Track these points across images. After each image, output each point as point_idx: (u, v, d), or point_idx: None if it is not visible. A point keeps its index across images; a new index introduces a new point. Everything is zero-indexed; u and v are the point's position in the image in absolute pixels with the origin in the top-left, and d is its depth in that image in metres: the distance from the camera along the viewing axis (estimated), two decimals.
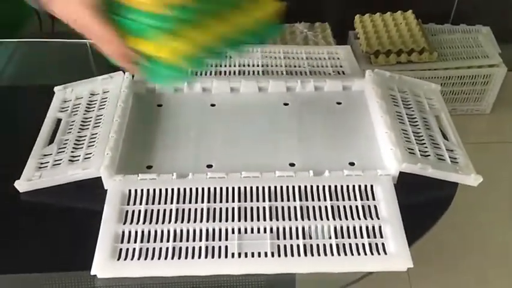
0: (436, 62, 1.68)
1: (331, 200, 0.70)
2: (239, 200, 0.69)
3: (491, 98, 1.78)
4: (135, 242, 0.65)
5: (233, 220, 0.67)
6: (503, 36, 1.80)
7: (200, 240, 0.65)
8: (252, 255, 0.64)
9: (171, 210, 0.68)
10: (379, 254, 0.64)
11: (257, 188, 0.71)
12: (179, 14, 0.57)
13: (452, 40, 1.77)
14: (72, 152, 0.75)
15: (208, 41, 0.61)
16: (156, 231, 0.66)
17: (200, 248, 0.64)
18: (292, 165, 0.74)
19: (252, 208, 0.69)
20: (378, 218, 0.68)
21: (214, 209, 0.68)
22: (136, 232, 0.66)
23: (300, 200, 0.69)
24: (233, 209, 0.68)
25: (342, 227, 0.67)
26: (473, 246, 1.39)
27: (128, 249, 0.64)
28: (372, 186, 0.71)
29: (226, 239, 0.65)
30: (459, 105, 1.79)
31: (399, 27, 1.73)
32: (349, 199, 0.70)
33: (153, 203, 0.69)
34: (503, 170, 1.59)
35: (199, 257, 0.64)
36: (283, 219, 0.67)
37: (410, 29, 1.72)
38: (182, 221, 0.67)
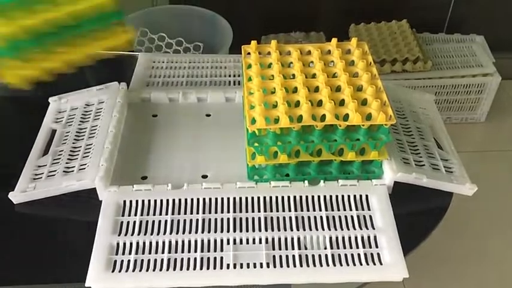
0: (430, 71, 1.69)
1: (326, 210, 0.70)
2: (234, 211, 0.69)
3: (485, 107, 1.79)
4: (130, 253, 0.65)
5: (228, 231, 0.67)
6: (497, 45, 1.81)
7: (195, 251, 0.65)
8: (248, 266, 0.64)
9: (166, 221, 0.68)
10: (374, 264, 0.64)
11: (252, 198, 0.71)
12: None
13: (446, 49, 1.79)
14: (66, 163, 0.75)
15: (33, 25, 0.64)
16: (151, 243, 0.66)
17: (195, 259, 0.64)
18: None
19: (247, 218, 0.68)
20: (373, 228, 0.68)
21: (210, 219, 0.68)
22: (131, 243, 0.66)
23: (295, 210, 0.69)
24: (228, 219, 0.68)
25: (337, 237, 0.67)
26: (469, 255, 1.38)
27: (122, 261, 0.64)
28: (367, 196, 0.71)
29: (222, 250, 0.65)
30: (454, 114, 1.80)
31: (394, 37, 1.74)
32: (344, 209, 0.70)
33: (148, 214, 0.69)
34: (499, 179, 1.59)
35: (195, 268, 0.63)
36: (279, 230, 0.67)
37: (404, 38, 1.73)
38: (177, 232, 0.67)
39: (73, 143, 0.79)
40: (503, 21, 1.91)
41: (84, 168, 0.73)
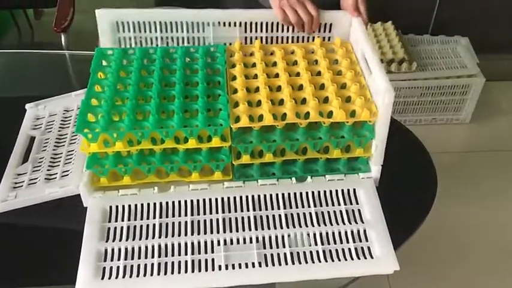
0: (415, 72, 1.70)
1: (315, 206, 0.69)
2: (223, 211, 0.68)
3: (470, 108, 1.80)
4: (119, 259, 0.64)
5: (218, 232, 0.66)
6: (482, 47, 1.83)
7: (186, 254, 0.64)
8: (240, 267, 0.63)
9: (154, 225, 0.67)
10: (365, 258, 0.64)
11: (240, 197, 0.70)
12: None
13: (431, 51, 1.80)
14: (48, 170, 0.74)
15: None
16: (140, 248, 0.65)
17: (186, 262, 0.63)
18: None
19: (236, 218, 0.68)
20: (362, 222, 0.67)
21: (198, 221, 0.67)
22: (119, 249, 0.64)
23: (284, 207, 0.69)
24: (217, 220, 0.67)
25: (327, 233, 0.66)
26: (458, 252, 1.38)
27: (111, 267, 0.63)
28: (354, 190, 0.71)
29: (213, 251, 0.64)
30: (439, 115, 1.81)
31: (379, 38, 1.75)
32: (333, 204, 0.69)
33: (135, 219, 0.68)
34: (484, 179, 1.59)
35: (186, 271, 0.62)
36: (269, 228, 0.67)
37: (389, 39, 1.74)
38: (166, 236, 0.66)
39: (53, 149, 0.77)
40: (487, 23, 1.93)
41: (67, 175, 0.72)
